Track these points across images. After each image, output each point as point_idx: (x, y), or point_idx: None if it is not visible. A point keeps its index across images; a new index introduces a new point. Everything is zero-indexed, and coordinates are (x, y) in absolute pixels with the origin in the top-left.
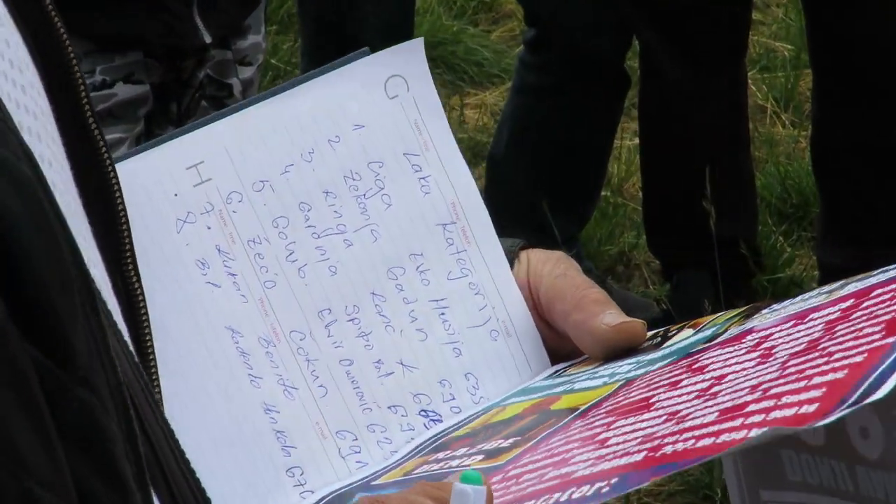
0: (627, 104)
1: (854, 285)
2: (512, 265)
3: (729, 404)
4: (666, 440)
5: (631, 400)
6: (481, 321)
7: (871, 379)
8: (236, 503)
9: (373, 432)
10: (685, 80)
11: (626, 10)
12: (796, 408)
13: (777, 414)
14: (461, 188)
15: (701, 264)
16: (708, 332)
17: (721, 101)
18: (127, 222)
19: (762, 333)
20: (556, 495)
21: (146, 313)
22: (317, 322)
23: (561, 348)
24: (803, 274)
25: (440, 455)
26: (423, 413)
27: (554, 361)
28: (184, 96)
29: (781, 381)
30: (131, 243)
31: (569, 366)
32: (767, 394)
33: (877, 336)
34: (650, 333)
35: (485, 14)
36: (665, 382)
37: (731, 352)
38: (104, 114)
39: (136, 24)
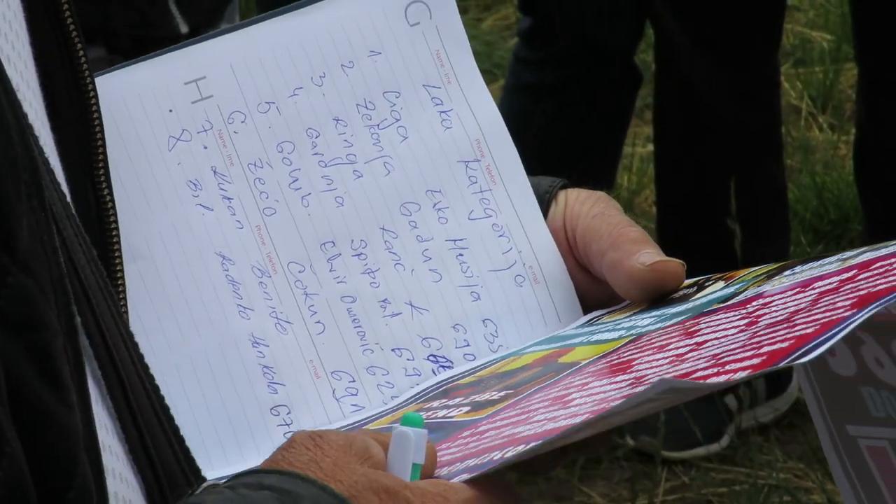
0: (639, 104)
1: (867, 255)
2: (549, 206)
3: (683, 372)
4: (612, 402)
5: (619, 360)
6: (505, 265)
7: (806, 348)
8: (213, 437)
9: (373, 375)
10: (708, 76)
11: None
12: (729, 374)
13: (705, 374)
14: (487, 125)
15: None
16: (731, 290)
17: (750, 101)
18: (101, 133)
19: (764, 300)
20: (494, 454)
21: (116, 227)
22: (319, 254)
23: (599, 295)
24: None
25: (435, 403)
26: (431, 358)
27: (592, 310)
28: None
29: (739, 350)
30: (104, 154)
31: (604, 314)
32: (718, 361)
33: (841, 309)
34: (688, 282)
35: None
36: (656, 345)
37: (729, 318)
38: None
39: (102, 13)
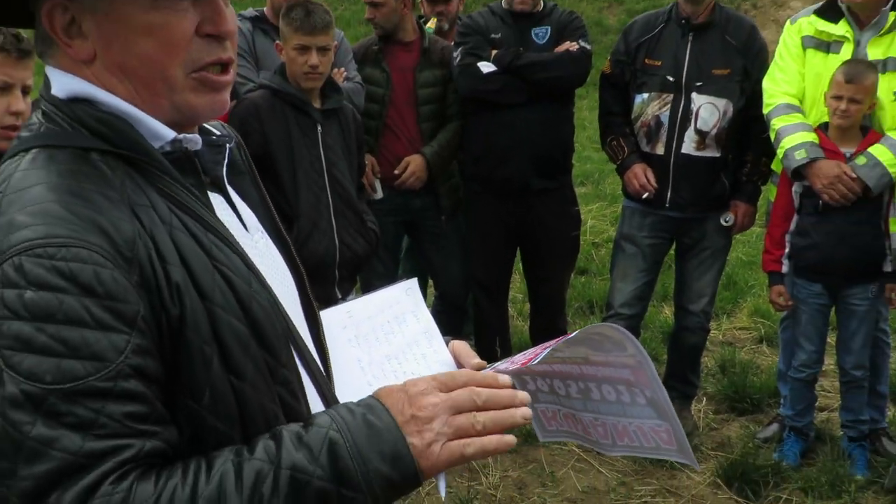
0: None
1: (548, 343)
2: (447, 345)
3: (530, 357)
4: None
5: (500, 368)
6: (433, 356)
7: (534, 363)
8: (341, 392)
9: (395, 378)
10: (496, 311)
11: (476, 277)
12: (529, 362)
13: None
14: (428, 322)
15: None
16: (507, 362)
17: (500, 295)
18: (322, 329)
19: (522, 359)
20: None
21: (327, 353)
22: (378, 350)
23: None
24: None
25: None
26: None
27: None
28: None
29: (522, 360)
30: (323, 335)
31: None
32: (525, 359)
33: (534, 353)
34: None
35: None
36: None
37: (511, 360)
38: None
39: None
